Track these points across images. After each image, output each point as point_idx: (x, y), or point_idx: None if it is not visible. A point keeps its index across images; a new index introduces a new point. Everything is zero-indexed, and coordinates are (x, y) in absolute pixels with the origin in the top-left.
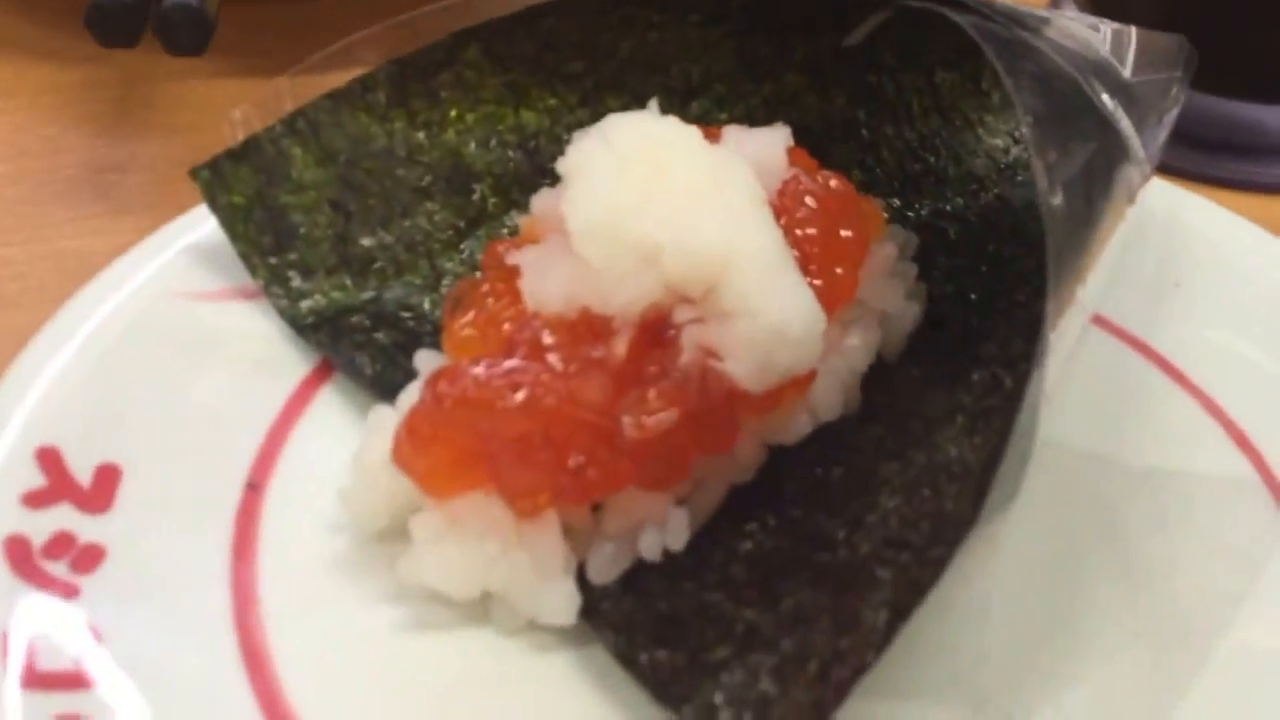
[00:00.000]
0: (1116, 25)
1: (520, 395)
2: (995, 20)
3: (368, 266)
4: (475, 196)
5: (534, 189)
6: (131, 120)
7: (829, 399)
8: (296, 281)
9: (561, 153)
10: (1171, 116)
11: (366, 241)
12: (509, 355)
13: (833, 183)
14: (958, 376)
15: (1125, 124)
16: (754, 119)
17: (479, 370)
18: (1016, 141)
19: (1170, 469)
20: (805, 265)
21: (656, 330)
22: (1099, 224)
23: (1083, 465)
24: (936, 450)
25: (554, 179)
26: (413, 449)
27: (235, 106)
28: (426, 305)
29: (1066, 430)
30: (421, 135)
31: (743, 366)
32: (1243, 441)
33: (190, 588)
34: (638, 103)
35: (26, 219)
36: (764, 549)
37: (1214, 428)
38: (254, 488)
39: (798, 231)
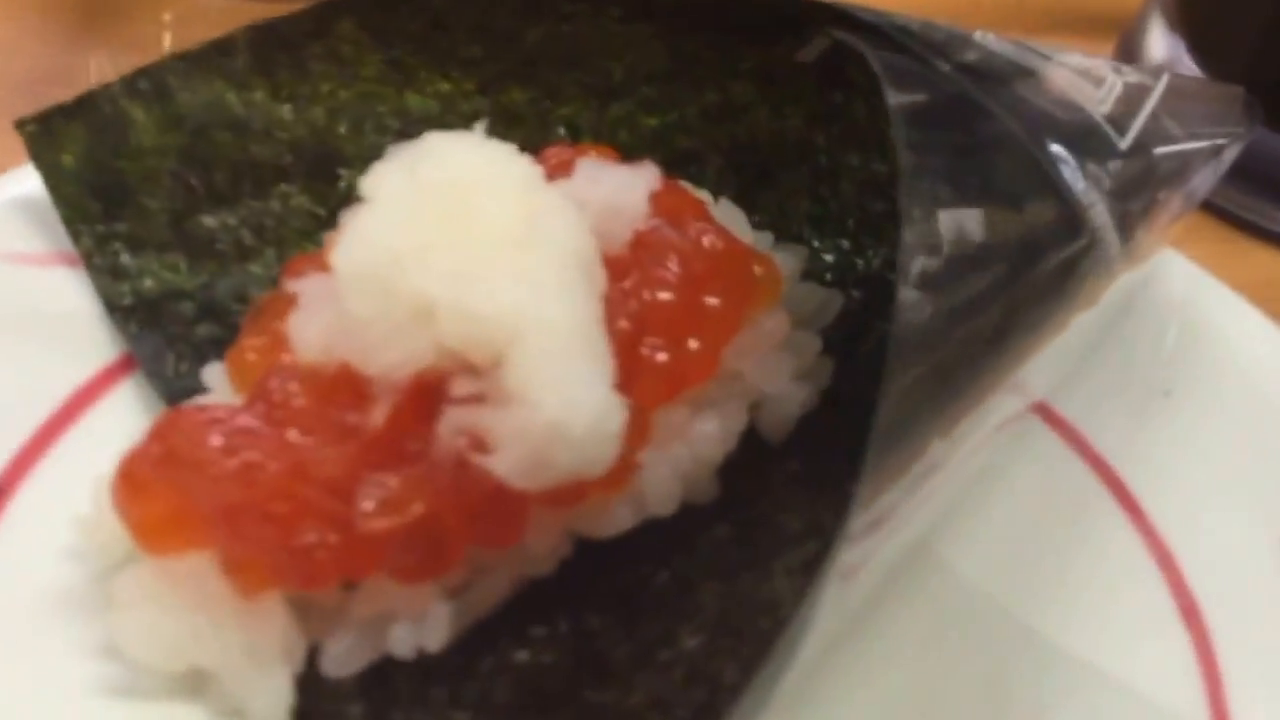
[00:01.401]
0: (1139, 79)
1: (234, 462)
2: (932, 63)
3: (206, 248)
4: (341, 184)
5: None
6: None
7: (661, 491)
8: (124, 256)
9: None
10: (1207, 181)
11: (209, 221)
12: (252, 405)
13: (707, 239)
14: (835, 482)
15: (1099, 209)
16: (690, 129)
17: (203, 421)
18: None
19: (1093, 625)
20: (646, 337)
21: (430, 398)
22: (1022, 322)
23: (988, 600)
24: (766, 580)
25: None
26: (127, 495)
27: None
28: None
29: (983, 550)
30: (285, 110)
31: (510, 463)
32: (1190, 612)
33: None
34: (549, 97)
35: None
36: (540, 664)
37: (1160, 585)
38: (0, 491)
39: (645, 295)
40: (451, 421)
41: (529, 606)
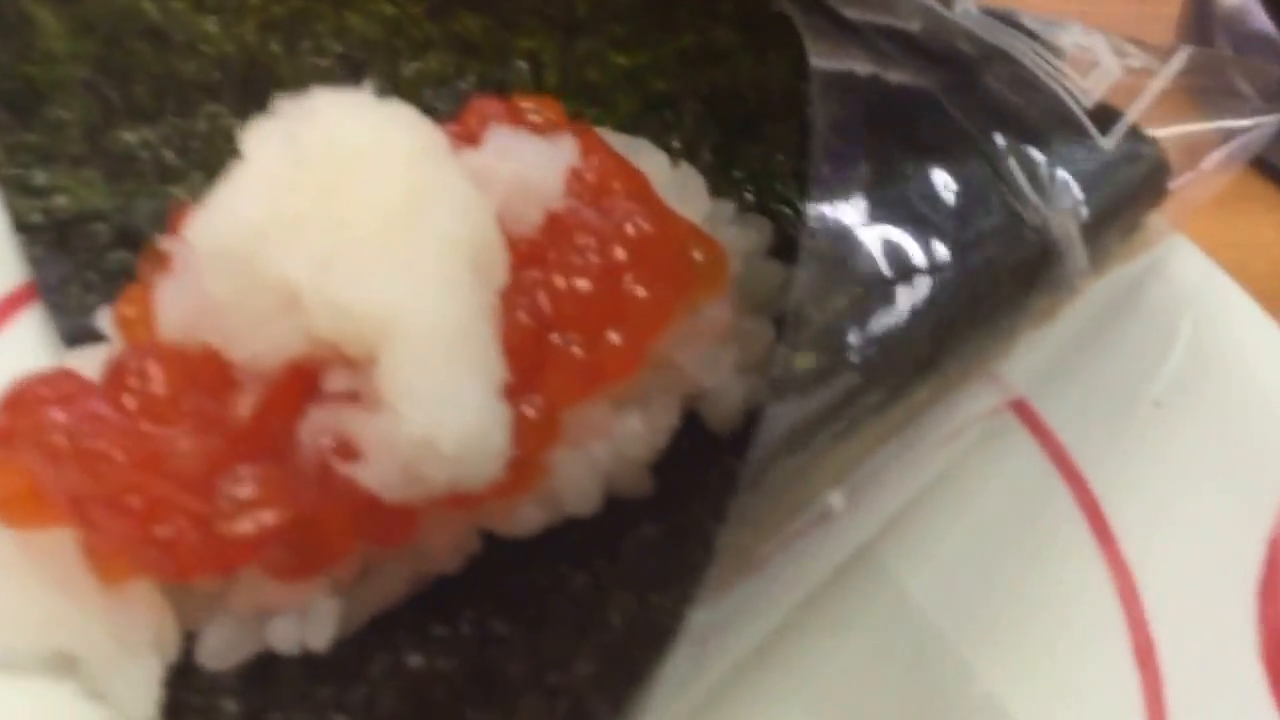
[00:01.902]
0: (1144, 62)
1: (81, 448)
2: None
3: (125, 166)
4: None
5: None
6: None
7: (577, 491)
8: (35, 169)
9: (397, 75)
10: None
11: (128, 136)
12: (110, 385)
13: (634, 221)
14: None
15: (1063, 219)
16: (665, 71)
17: (53, 397)
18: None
19: (1042, 663)
20: (557, 330)
21: (302, 388)
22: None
23: (932, 628)
24: (678, 604)
25: None
26: None
27: None
28: None
29: (935, 567)
30: (210, 22)
31: (377, 475)
32: (1145, 654)
33: None
34: (505, 29)
35: None
36: (433, 670)
37: (1119, 621)
38: None
39: (556, 283)
40: (315, 424)
41: (434, 603)
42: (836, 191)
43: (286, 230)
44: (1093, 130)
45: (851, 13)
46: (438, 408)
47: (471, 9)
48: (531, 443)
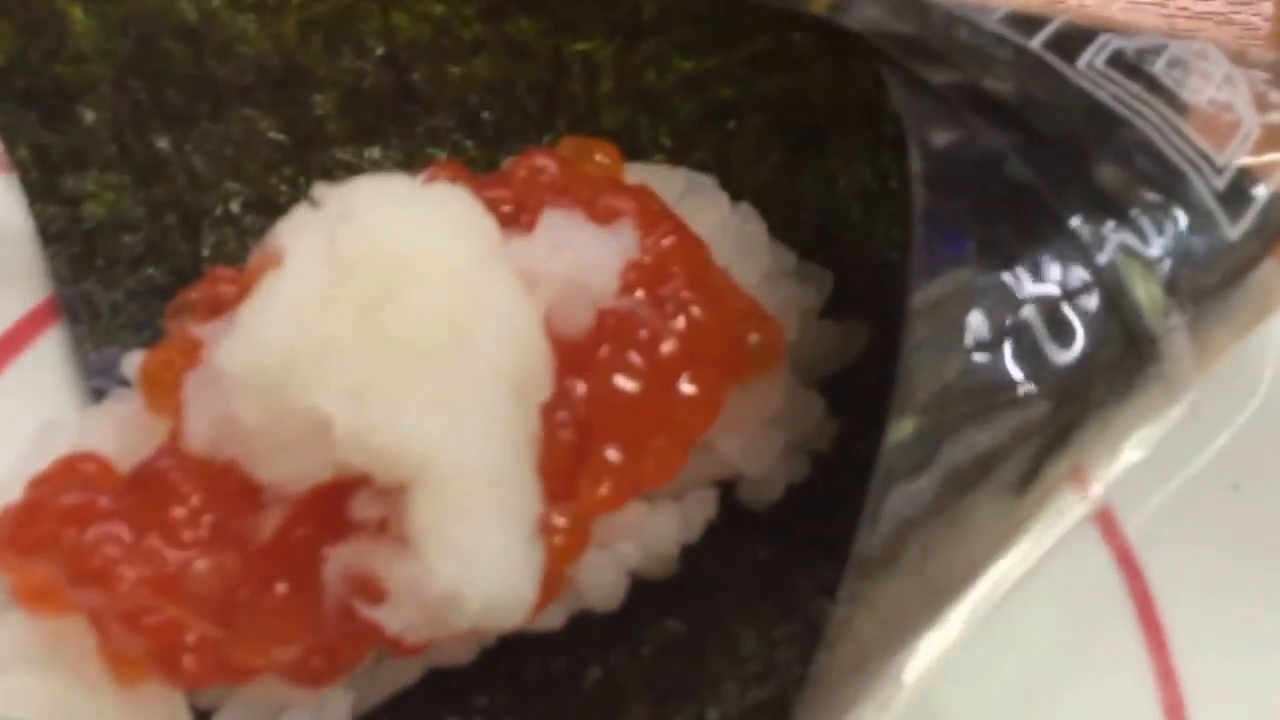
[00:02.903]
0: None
1: (100, 563)
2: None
3: (156, 172)
4: (316, 110)
5: (395, 116)
6: None
7: (602, 591)
8: (63, 173)
9: (444, 80)
10: None
11: (159, 141)
12: (134, 488)
13: (691, 316)
14: (802, 589)
15: (1176, 335)
16: (732, 77)
17: (76, 504)
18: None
19: None
20: (600, 440)
21: (329, 507)
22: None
23: None
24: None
25: (424, 106)
26: (7, 554)
27: None
28: (211, 241)
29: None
30: (248, 21)
31: (400, 620)
32: None
33: None
34: (563, 29)
35: None
36: None
37: None
38: None
39: (603, 389)
40: (340, 561)
41: (447, 688)
42: (940, 268)
43: (319, 356)
44: (1222, 219)
45: (939, 77)
46: (467, 563)
47: (527, 10)
48: (561, 559)
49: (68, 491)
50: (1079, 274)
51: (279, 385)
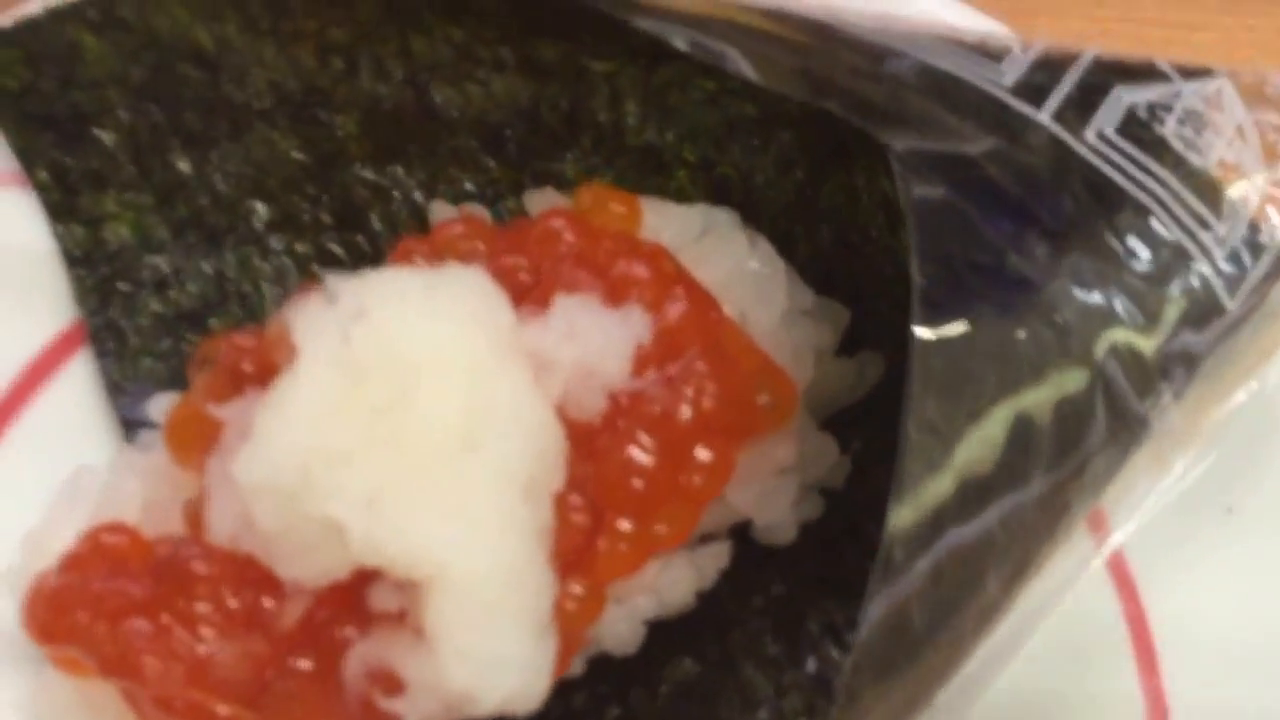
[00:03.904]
0: None
1: (127, 652)
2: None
3: (177, 193)
4: (337, 131)
5: (418, 135)
6: None
7: (618, 640)
8: (83, 193)
9: (465, 100)
10: None
11: (179, 162)
12: (159, 574)
13: (704, 389)
14: (812, 630)
15: (1165, 408)
16: (755, 95)
17: (101, 591)
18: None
19: None
20: (612, 514)
21: (350, 593)
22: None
23: None
24: None
25: (446, 127)
26: (36, 628)
27: None
28: (234, 261)
29: None
30: (265, 45)
31: (418, 711)
32: None
33: None
34: (585, 52)
35: None
36: None
37: None
38: None
39: (615, 471)
40: (360, 656)
41: None
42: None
43: (333, 464)
44: (1222, 292)
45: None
46: (482, 665)
47: (547, 35)
48: (578, 624)
49: (97, 576)
50: (1075, 375)
51: (294, 495)
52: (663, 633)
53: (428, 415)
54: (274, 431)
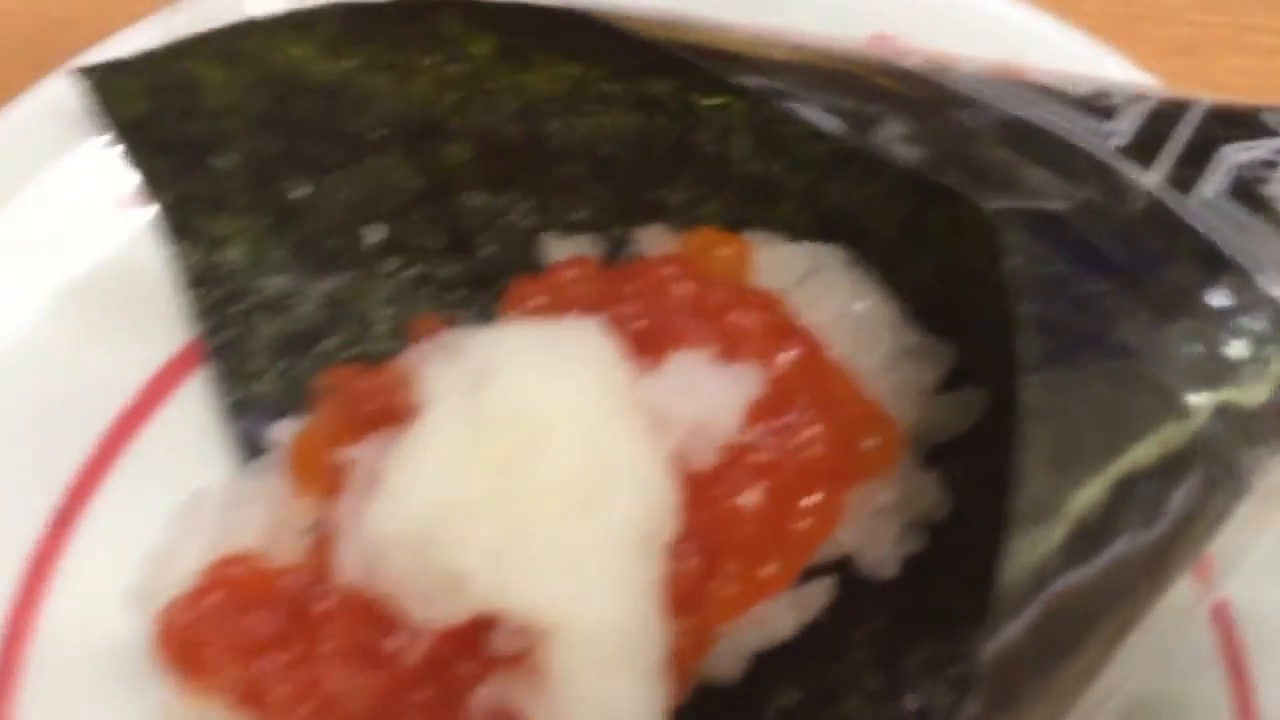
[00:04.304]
0: None
1: (257, 683)
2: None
3: (291, 217)
4: (450, 160)
5: (526, 165)
6: None
7: (722, 669)
8: (201, 216)
9: (576, 131)
10: None
11: (293, 187)
12: (290, 609)
13: (814, 439)
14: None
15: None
16: None
17: (229, 621)
18: None
19: None
20: (720, 562)
21: (472, 634)
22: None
23: None
24: None
25: (556, 156)
26: (167, 652)
27: None
28: (345, 284)
29: None
30: (382, 80)
31: None
32: None
33: None
34: (696, 89)
35: None
36: None
37: None
38: (64, 521)
39: (724, 520)
40: (485, 698)
41: None
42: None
43: (460, 516)
44: None
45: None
46: (601, 712)
47: (659, 72)
48: (687, 663)
49: (227, 611)
50: (1177, 434)
51: (422, 546)
52: (765, 661)
53: (550, 472)
54: (404, 485)
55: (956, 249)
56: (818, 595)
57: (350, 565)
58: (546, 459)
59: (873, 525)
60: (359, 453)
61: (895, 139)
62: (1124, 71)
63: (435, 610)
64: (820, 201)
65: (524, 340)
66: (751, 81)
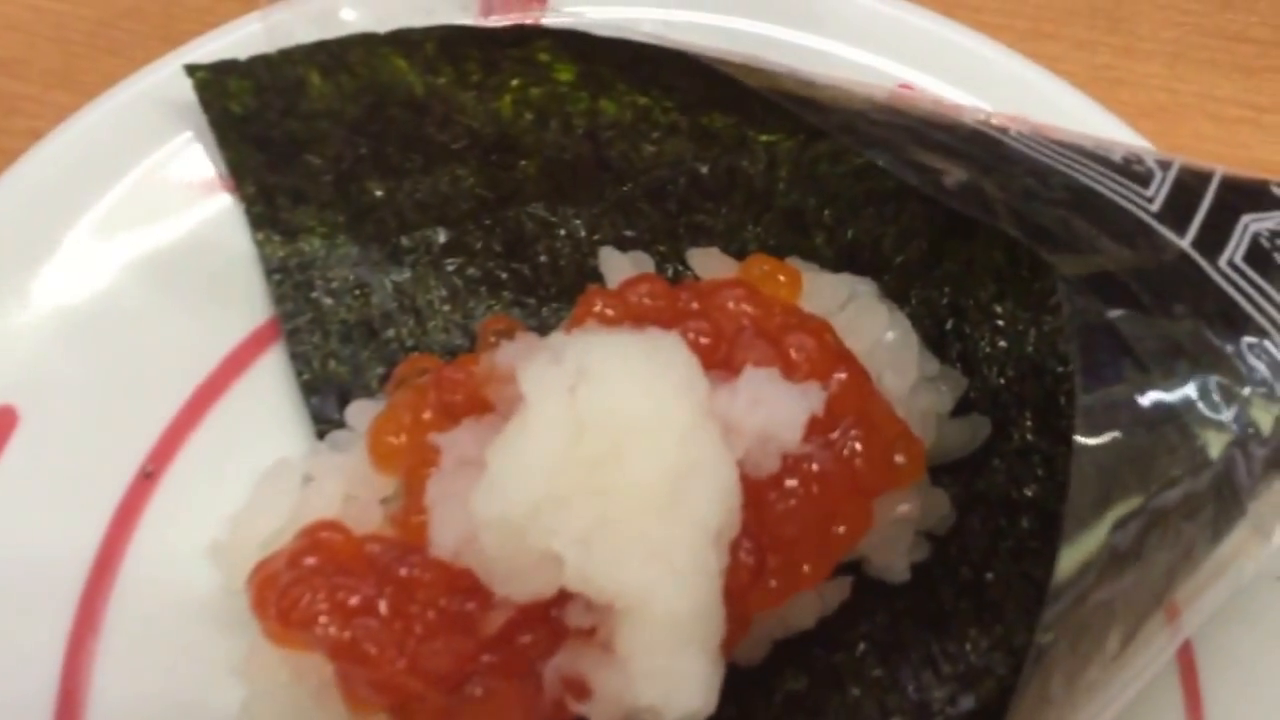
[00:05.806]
0: None
1: (348, 636)
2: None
3: (367, 214)
4: (518, 174)
5: (589, 182)
6: None
7: (746, 654)
8: (284, 208)
9: (637, 156)
10: None
11: (374, 188)
12: (382, 579)
13: (857, 453)
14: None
15: (1265, 493)
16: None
17: (327, 580)
18: None
19: None
20: (766, 557)
21: (549, 607)
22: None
23: None
24: None
25: (616, 177)
26: (259, 601)
27: None
28: (411, 279)
29: None
30: (470, 96)
31: (602, 715)
32: None
33: (28, 610)
34: (749, 124)
35: None
36: None
37: None
38: (149, 476)
39: (776, 522)
40: (557, 666)
41: None
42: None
43: (556, 505)
44: None
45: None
46: (668, 686)
47: (721, 107)
48: (727, 648)
49: (324, 570)
50: (1202, 477)
51: (521, 529)
52: (779, 647)
53: (639, 470)
54: (508, 473)
55: (967, 286)
56: (838, 591)
57: (444, 539)
58: (636, 458)
59: (891, 533)
60: (451, 438)
61: (961, 189)
62: (1124, 134)
63: (524, 586)
64: (846, 232)
65: (616, 348)
66: (834, 127)
